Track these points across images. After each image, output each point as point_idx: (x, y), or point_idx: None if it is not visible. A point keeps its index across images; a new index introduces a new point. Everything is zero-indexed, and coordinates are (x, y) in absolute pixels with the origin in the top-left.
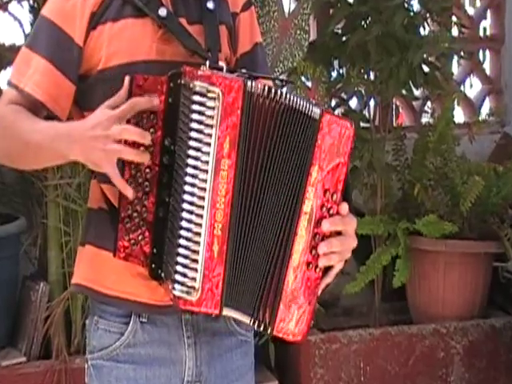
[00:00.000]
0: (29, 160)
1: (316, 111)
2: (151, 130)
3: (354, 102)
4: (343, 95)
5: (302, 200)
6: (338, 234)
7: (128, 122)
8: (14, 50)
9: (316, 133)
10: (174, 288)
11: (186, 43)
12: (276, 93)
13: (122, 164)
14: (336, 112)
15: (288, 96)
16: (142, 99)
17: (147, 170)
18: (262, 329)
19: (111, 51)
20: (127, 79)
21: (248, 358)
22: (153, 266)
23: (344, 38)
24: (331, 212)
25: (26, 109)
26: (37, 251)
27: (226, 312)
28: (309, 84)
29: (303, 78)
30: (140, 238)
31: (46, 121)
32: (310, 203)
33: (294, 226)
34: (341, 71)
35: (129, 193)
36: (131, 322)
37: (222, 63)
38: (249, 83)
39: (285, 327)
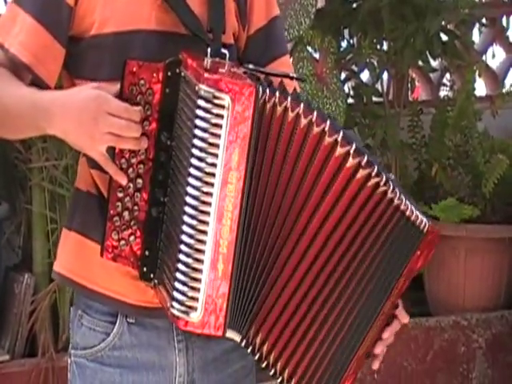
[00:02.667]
0: (8, 128)
1: (425, 222)
2: (145, 122)
3: (365, 75)
4: (354, 67)
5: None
6: None
7: None
8: None
9: (418, 245)
10: (172, 306)
11: (185, 20)
12: (293, 100)
13: (112, 157)
14: (345, 86)
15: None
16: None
17: (140, 166)
18: None
19: (105, 16)
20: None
21: (248, 359)
22: (144, 269)
23: (355, 5)
24: (389, 321)
25: (10, 71)
26: (20, 240)
27: (230, 334)
28: (316, 55)
29: (310, 49)
30: (131, 238)
31: (31, 87)
32: (388, 306)
33: (369, 326)
34: (351, 41)
35: (121, 179)
36: (117, 323)
37: (224, 50)
38: (261, 89)
39: None
